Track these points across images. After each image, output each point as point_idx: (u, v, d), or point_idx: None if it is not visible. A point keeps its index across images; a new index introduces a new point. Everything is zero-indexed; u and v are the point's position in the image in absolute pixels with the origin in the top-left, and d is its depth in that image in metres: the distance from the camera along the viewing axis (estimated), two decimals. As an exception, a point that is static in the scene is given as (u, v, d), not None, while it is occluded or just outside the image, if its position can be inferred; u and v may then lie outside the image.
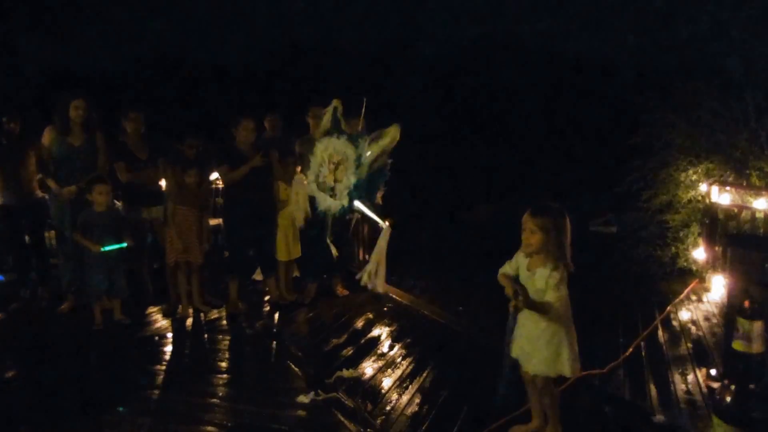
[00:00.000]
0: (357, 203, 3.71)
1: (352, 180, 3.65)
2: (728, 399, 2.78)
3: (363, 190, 3.71)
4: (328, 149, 3.81)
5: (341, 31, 8.89)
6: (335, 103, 3.90)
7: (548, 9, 8.42)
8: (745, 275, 3.51)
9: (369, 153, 3.64)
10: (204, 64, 9.25)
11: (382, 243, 3.66)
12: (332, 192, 3.77)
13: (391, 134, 3.63)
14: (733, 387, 2.79)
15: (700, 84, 6.41)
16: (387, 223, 3.68)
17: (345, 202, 3.71)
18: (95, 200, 4.97)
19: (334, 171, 3.74)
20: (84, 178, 5.15)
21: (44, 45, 9.34)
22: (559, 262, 2.84)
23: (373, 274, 3.68)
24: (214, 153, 5.40)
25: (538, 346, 2.96)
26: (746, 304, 3.15)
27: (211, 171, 5.58)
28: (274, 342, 4.86)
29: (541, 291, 2.85)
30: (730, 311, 3.60)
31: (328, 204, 3.82)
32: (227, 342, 4.86)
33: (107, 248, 4.95)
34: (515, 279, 2.99)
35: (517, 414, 3.44)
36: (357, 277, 3.79)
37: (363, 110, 3.78)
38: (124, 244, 5.05)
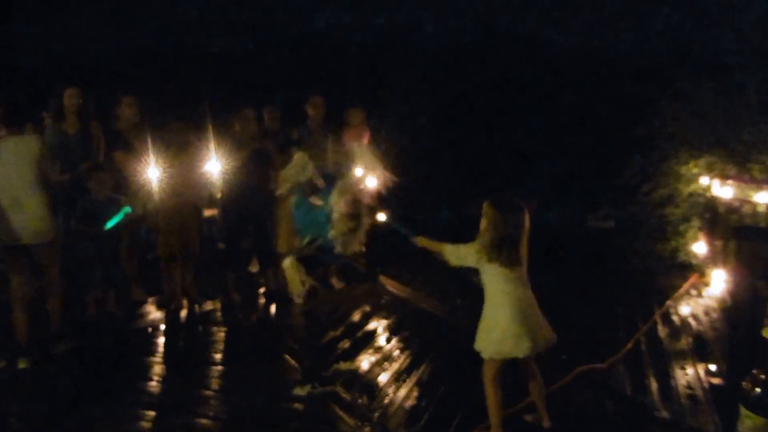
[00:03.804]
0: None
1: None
2: (757, 390, 2.69)
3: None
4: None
5: (339, 18, 8.76)
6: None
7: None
8: (752, 267, 3.46)
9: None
10: (198, 52, 9.10)
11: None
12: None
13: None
14: (763, 377, 2.70)
15: (703, 76, 6.33)
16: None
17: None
18: (93, 188, 4.90)
19: None
20: (79, 167, 5.07)
21: (38, 31, 9.21)
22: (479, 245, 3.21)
23: None
24: (206, 142, 5.30)
25: None
26: None
27: (204, 160, 5.48)
28: (270, 334, 4.80)
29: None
30: (737, 302, 3.54)
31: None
32: (222, 334, 4.80)
33: (111, 223, 4.85)
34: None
35: (517, 408, 3.41)
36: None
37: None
38: (128, 209, 4.92)
